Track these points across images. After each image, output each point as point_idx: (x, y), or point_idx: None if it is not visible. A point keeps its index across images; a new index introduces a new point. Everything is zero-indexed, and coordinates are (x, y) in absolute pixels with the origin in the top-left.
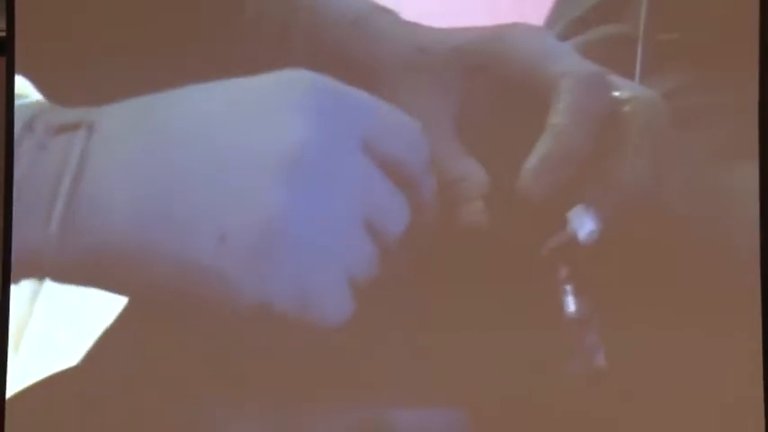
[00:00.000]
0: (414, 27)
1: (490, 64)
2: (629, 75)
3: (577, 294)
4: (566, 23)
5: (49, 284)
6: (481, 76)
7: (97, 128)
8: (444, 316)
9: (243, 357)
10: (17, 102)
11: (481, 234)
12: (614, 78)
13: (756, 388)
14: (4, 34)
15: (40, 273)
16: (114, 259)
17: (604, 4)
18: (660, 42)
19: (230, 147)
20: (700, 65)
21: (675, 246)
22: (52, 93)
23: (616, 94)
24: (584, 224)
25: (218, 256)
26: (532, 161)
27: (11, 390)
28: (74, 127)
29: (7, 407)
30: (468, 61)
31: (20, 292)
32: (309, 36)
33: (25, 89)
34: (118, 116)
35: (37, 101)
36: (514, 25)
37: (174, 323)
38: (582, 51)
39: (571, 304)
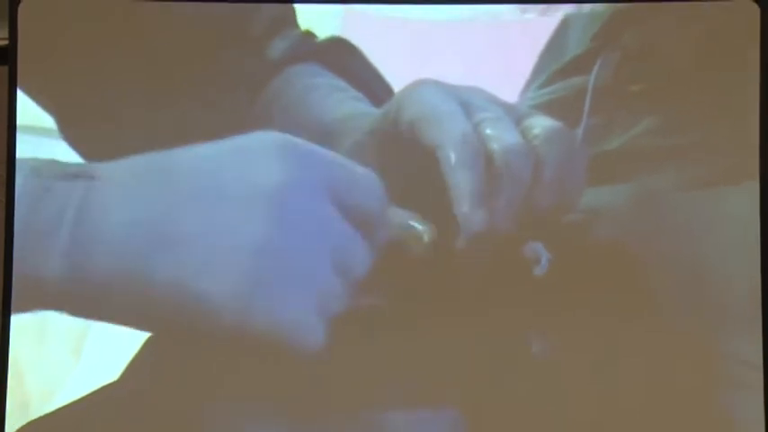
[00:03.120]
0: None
1: (398, 127)
2: (598, 120)
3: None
4: (547, 75)
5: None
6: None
7: (97, 176)
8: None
9: (224, 377)
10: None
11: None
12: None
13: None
14: (6, 43)
15: (44, 304)
16: (118, 284)
17: (579, 59)
18: (626, 93)
19: (218, 190)
20: (661, 111)
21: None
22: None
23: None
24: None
25: (207, 281)
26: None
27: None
28: (75, 175)
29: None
30: (385, 124)
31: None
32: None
33: (36, 121)
34: (117, 168)
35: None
36: (414, 85)
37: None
38: (560, 97)
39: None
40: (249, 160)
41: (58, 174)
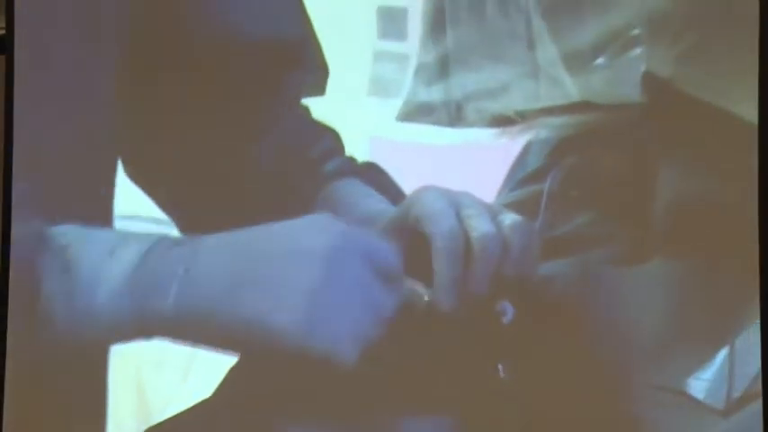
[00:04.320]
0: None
1: (408, 220)
2: (550, 215)
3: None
4: (514, 183)
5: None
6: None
7: (200, 244)
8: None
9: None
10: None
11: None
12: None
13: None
14: (3, 32)
15: (161, 333)
16: (215, 318)
17: (536, 172)
18: (569, 196)
19: (285, 252)
20: (592, 210)
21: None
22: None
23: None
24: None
25: (277, 315)
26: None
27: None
28: (183, 243)
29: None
30: (399, 218)
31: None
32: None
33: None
34: (215, 238)
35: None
36: (420, 189)
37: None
38: (523, 199)
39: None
40: (307, 231)
41: (173, 242)
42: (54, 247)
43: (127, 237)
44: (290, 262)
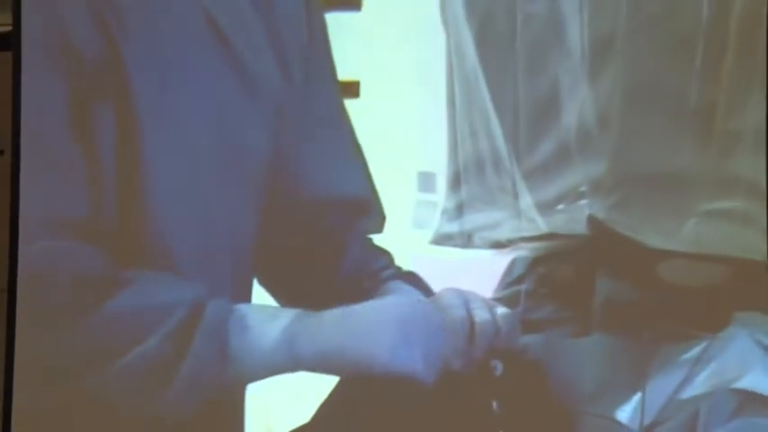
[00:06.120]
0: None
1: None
2: (527, 306)
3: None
4: (504, 285)
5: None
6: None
7: (324, 316)
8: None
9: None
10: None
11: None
12: (481, 311)
13: None
14: (9, 29)
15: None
16: (329, 356)
17: (519, 278)
18: (539, 293)
19: (370, 318)
20: (554, 303)
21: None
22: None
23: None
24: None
25: (368, 348)
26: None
27: None
28: (316, 315)
29: None
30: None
31: None
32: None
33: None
34: (336, 312)
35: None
36: (443, 290)
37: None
38: (509, 296)
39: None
40: (396, 305)
41: (309, 314)
42: (237, 315)
43: (282, 308)
44: (388, 323)
